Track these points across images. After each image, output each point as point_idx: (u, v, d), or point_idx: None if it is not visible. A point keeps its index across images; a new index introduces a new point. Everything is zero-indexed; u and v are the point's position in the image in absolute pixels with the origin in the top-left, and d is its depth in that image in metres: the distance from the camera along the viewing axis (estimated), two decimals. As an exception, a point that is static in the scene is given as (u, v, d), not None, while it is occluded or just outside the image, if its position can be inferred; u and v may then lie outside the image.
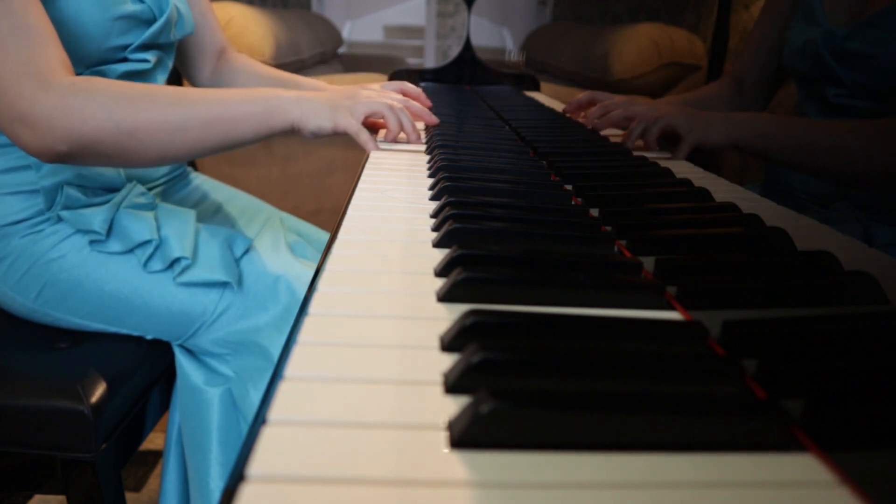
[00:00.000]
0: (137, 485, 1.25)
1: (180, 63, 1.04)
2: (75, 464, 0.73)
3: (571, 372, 0.30)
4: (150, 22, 0.82)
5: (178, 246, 0.79)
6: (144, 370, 0.83)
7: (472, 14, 1.73)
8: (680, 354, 0.33)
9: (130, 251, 0.79)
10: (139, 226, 0.79)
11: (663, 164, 0.79)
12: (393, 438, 0.26)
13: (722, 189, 0.70)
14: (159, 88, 0.72)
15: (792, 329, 0.35)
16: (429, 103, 0.97)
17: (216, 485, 0.80)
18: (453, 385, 0.30)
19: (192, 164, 1.66)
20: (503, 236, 0.48)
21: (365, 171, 0.71)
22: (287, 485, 0.23)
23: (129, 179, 0.85)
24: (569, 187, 0.66)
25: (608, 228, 0.53)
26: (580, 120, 1.12)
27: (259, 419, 0.27)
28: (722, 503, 0.24)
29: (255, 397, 0.80)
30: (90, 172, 0.79)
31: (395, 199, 0.61)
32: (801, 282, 0.42)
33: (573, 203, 0.62)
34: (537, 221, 0.52)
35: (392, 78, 1.69)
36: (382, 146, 0.84)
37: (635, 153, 0.86)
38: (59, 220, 0.79)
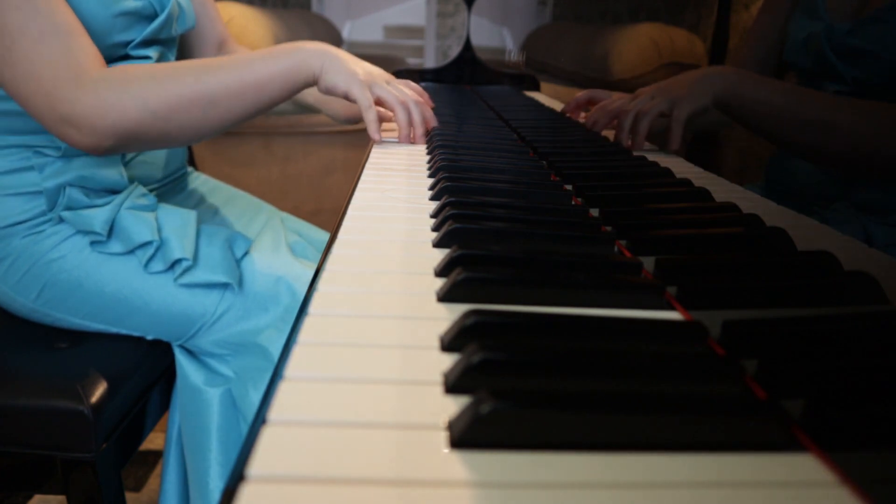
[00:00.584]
0: (137, 485, 1.25)
1: (180, 55, 1.04)
2: (75, 464, 0.73)
3: (571, 372, 0.30)
4: (151, 18, 0.82)
5: (179, 247, 0.79)
6: (144, 370, 0.83)
7: (472, 14, 1.73)
8: (680, 354, 0.33)
9: (131, 252, 0.79)
10: (140, 227, 0.79)
11: (663, 164, 0.79)
12: (393, 438, 0.26)
13: (722, 189, 0.70)
14: (182, 65, 0.73)
15: (792, 329, 0.35)
16: (432, 104, 0.97)
17: (216, 485, 0.80)
18: (453, 385, 0.30)
19: (193, 164, 1.67)
20: (503, 236, 0.48)
21: (365, 171, 0.71)
22: (287, 485, 0.23)
23: (131, 180, 0.85)
24: (569, 187, 0.66)
25: (608, 228, 0.53)
26: (580, 120, 1.12)
27: (259, 419, 0.27)
28: (722, 503, 0.24)
29: (255, 398, 0.80)
30: (92, 174, 0.79)
31: (395, 199, 0.61)
32: (801, 282, 0.42)
33: (573, 203, 0.62)
34: (537, 221, 0.52)
35: (392, 78, 1.69)
36: (381, 144, 0.84)
37: (635, 153, 0.86)
38: (60, 220, 0.79)
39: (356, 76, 0.77)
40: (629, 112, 0.88)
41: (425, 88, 1.03)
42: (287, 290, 0.82)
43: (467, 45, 1.72)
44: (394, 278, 0.42)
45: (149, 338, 0.83)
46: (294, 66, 0.75)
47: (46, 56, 0.66)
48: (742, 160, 1.44)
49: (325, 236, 1.06)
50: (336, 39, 2.65)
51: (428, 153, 0.82)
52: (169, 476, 0.91)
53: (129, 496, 1.20)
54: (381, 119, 0.87)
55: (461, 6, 1.78)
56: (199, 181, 1.04)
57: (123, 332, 0.82)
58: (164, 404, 0.91)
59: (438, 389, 0.30)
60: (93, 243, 0.79)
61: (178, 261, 0.79)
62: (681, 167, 0.81)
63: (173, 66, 0.73)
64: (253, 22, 1.83)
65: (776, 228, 0.52)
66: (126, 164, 0.85)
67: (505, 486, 0.24)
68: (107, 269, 0.79)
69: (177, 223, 0.81)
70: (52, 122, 0.68)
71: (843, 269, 0.44)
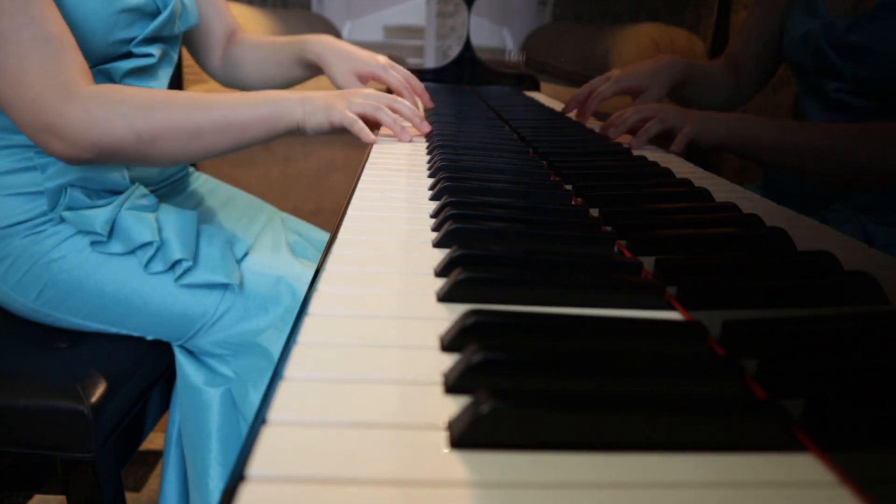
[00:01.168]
0: (137, 485, 1.25)
1: (190, 50, 1.05)
2: (75, 464, 0.73)
3: (571, 372, 0.30)
4: (153, 15, 0.82)
5: (179, 247, 0.79)
6: (144, 370, 0.83)
7: (472, 14, 1.73)
8: (680, 354, 0.33)
9: (132, 252, 0.79)
10: (140, 227, 0.79)
11: (663, 164, 0.79)
12: (393, 438, 0.26)
13: (722, 189, 0.70)
14: (175, 96, 0.75)
15: (792, 329, 0.35)
16: (430, 105, 0.97)
17: (216, 485, 0.80)
18: (453, 385, 0.30)
19: (194, 165, 1.67)
20: (503, 236, 0.48)
21: (365, 171, 0.71)
22: (287, 485, 0.23)
23: (132, 181, 0.85)
24: (569, 187, 0.66)
25: (608, 228, 0.53)
26: (575, 117, 1.13)
27: (259, 419, 0.27)
28: (722, 503, 0.24)
29: (256, 398, 0.80)
30: (94, 174, 0.79)
31: (395, 199, 0.61)
32: (801, 282, 0.42)
33: (573, 203, 0.62)
34: (537, 221, 0.52)
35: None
36: (380, 144, 0.84)
37: (635, 153, 0.86)
38: (61, 220, 0.79)
39: (331, 107, 0.80)
40: (636, 114, 0.88)
41: (425, 88, 1.03)
42: (287, 291, 0.82)
43: (467, 45, 1.72)
44: (394, 278, 0.42)
45: (149, 338, 0.83)
46: (277, 114, 0.78)
47: (36, 64, 0.67)
48: (742, 160, 1.44)
49: (325, 236, 1.06)
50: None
51: (428, 153, 0.82)
52: (169, 476, 0.91)
53: (129, 496, 1.20)
54: (372, 124, 0.87)
55: (461, 6, 1.78)
56: (200, 181, 1.04)
57: (123, 332, 0.82)
58: (164, 404, 0.91)
59: (438, 389, 0.30)
60: (93, 243, 0.79)
61: (178, 261, 0.79)
62: (681, 167, 0.81)
63: (167, 94, 0.75)
64: (253, 22, 1.83)
65: (776, 228, 0.52)
66: (127, 165, 0.85)
67: (505, 486, 0.24)
68: (107, 270, 0.79)
69: (177, 224, 0.81)
70: (35, 129, 0.69)
71: (843, 269, 0.44)
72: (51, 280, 0.78)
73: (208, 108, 0.75)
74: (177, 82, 1.69)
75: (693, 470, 0.25)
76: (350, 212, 0.56)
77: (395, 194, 0.63)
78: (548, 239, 0.48)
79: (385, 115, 0.83)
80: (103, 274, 0.79)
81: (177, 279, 0.79)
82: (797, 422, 0.28)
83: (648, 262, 0.45)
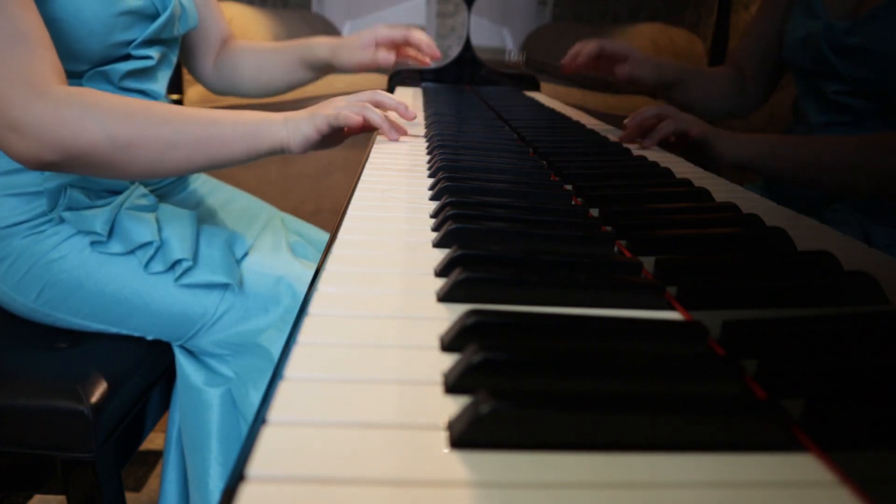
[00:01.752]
0: (137, 485, 1.25)
1: (183, 55, 1.04)
2: (75, 464, 0.73)
3: (571, 372, 0.30)
4: (153, 17, 0.81)
5: (179, 247, 0.79)
6: (144, 370, 0.83)
7: (472, 14, 1.73)
8: (680, 354, 0.33)
9: (131, 252, 0.79)
10: (140, 227, 0.79)
11: (663, 164, 0.79)
12: (393, 438, 0.26)
13: (722, 189, 0.70)
14: (154, 105, 0.73)
15: (792, 329, 0.35)
16: (412, 116, 0.94)
17: (216, 485, 0.80)
18: (453, 385, 0.30)
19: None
20: (503, 236, 0.48)
21: (365, 171, 0.71)
22: (287, 485, 0.23)
23: (131, 181, 0.85)
24: (569, 187, 0.66)
25: (608, 228, 0.53)
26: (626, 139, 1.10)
27: (259, 419, 0.27)
28: (722, 503, 0.24)
29: (256, 398, 0.80)
30: None
31: (395, 198, 0.61)
32: (801, 282, 0.42)
33: (573, 203, 0.62)
34: (537, 221, 0.52)
35: (392, 78, 1.69)
36: (381, 141, 0.84)
37: (635, 153, 0.86)
38: (61, 221, 0.79)
39: (314, 115, 0.77)
40: (656, 110, 0.88)
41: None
42: (287, 291, 0.82)
43: (467, 45, 1.72)
44: (394, 278, 0.42)
45: (149, 338, 0.83)
46: (258, 133, 0.75)
47: (7, 59, 0.64)
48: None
49: (325, 236, 1.06)
50: (336, 39, 2.65)
51: (428, 153, 0.82)
52: (169, 476, 0.91)
53: (129, 496, 1.20)
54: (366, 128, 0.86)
55: (461, 6, 1.78)
56: (200, 181, 1.04)
57: (124, 332, 0.82)
58: (164, 404, 0.91)
59: (438, 389, 0.30)
60: (93, 243, 0.79)
61: (178, 261, 0.79)
62: (681, 167, 0.81)
63: (146, 104, 0.72)
64: (253, 22, 1.83)
65: (776, 228, 0.52)
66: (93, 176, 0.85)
67: (505, 486, 0.24)
68: (107, 270, 0.79)
69: (177, 224, 0.81)
70: None
71: (843, 269, 0.44)
72: (51, 280, 0.78)
73: (187, 121, 0.72)
74: (176, 84, 1.69)
75: (693, 470, 0.25)
76: (350, 212, 0.56)
77: (395, 194, 0.63)
78: (548, 239, 0.48)
79: (373, 115, 0.81)
80: (103, 274, 0.79)
81: (177, 279, 0.79)
82: (797, 422, 0.28)
83: (648, 262, 0.45)
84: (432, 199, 0.62)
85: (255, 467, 0.24)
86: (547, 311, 0.35)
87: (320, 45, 1.03)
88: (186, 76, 1.68)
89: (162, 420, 0.92)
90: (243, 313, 0.81)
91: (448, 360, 0.32)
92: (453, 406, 0.28)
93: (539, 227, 0.50)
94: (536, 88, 1.78)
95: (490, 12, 1.96)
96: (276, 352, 0.80)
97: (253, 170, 1.83)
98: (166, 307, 0.80)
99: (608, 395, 0.27)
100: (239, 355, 0.82)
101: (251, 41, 1.08)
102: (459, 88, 1.68)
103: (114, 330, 0.82)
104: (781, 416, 0.27)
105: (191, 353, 0.84)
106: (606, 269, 0.44)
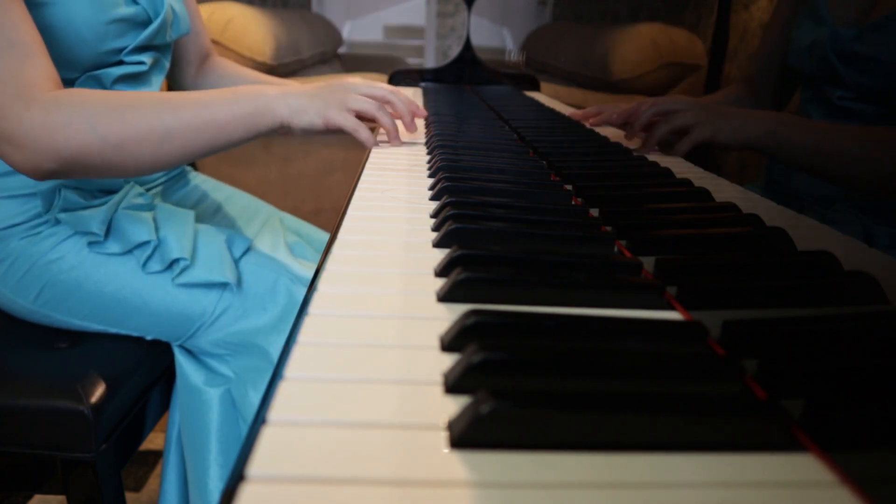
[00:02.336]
0: (137, 485, 1.25)
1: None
2: (75, 464, 0.73)
3: (571, 372, 0.30)
4: (145, 24, 0.81)
5: (177, 247, 0.79)
6: (144, 370, 0.83)
7: (472, 14, 1.73)
8: (680, 354, 0.33)
9: (129, 252, 0.79)
10: (137, 227, 0.79)
11: (663, 163, 0.79)
12: (393, 438, 0.26)
13: (722, 189, 0.70)
14: (142, 96, 0.70)
15: (792, 329, 0.35)
16: (424, 113, 0.94)
17: (215, 485, 0.80)
18: (453, 385, 0.30)
19: (192, 164, 1.67)
20: (503, 236, 0.48)
21: (365, 171, 0.71)
22: (287, 485, 0.23)
23: (128, 180, 0.85)
24: (569, 187, 0.66)
25: (608, 228, 0.53)
26: (587, 122, 1.11)
27: (259, 419, 0.27)
28: (722, 503, 0.24)
29: (255, 398, 0.80)
30: None
31: (395, 199, 0.61)
32: (801, 282, 0.42)
33: (573, 203, 0.62)
34: (537, 221, 0.52)
35: (392, 77, 1.69)
36: (381, 145, 0.84)
37: (635, 153, 0.86)
38: (58, 222, 0.79)
39: (327, 104, 0.75)
40: (655, 107, 0.87)
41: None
42: (285, 290, 0.82)
43: (467, 45, 1.72)
44: (394, 278, 0.42)
45: (148, 338, 0.83)
46: (256, 111, 0.72)
47: None
48: (742, 160, 1.44)
49: (325, 236, 1.06)
50: (336, 39, 2.65)
51: (428, 153, 0.82)
52: (169, 476, 0.91)
53: (129, 496, 1.20)
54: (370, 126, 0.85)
55: (461, 6, 1.78)
56: (199, 180, 1.04)
57: (123, 332, 0.82)
58: (164, 404, 0.91)
59: (438, 389, 0.30)
60: (90, 244, 0.79)
61: (175, 260, 0.79)
62: (681, 167, 0.81)
63: (134, 96, 0.70)
64: (253, 22, 1.83)
65: (776, 228, 0.52)
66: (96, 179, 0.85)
67: (505, 486, 0.24)
68: (105, 270, 0.79)
69: (174, 223, 0.81)
70: None
71: (843, 269, 0.44)
72: (50, 281, 0.78)
73: (179, 108, 0.70)
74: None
75: (693, 470, 0.25)
76: (350, 212, 0.56)
77: (395, 194, 0.63)
78: (548, 239, 0.48)
79: (385, 119, 0.81)
80: (101, 274, 0.79)
81: (175, 278, 0.79)
82: (797, 422, 0.28)
83: (648, 262, 0.45)
84: (432, 199, 0.62)
85: (254, 467, 0.24)
86: (547, 311, 0.35)
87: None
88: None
89: (162, 420, 0.92)
90: (241, 312, 0.81)
91: (448, 360, 0.32)
92: (453, 406, 0.28)
93: (539, 227, 0.50)
94: (536, 88, 1.78)
95: (490, 12, 1.96)
96: (275, 352, 0.80)
97: (253, 170, 1.83)
98: (165, 306, 0.80)
99: (608, 395, 0.27)
100: (238, 355, 0.82)
101: (233, 65, 1.09)
102: (459, 88, 1.68)
103: (113, 330, 0.82)
104: (781, 416, 0.27)
105: (190, 352, 0.84)
106: (606, 269, 0.44)
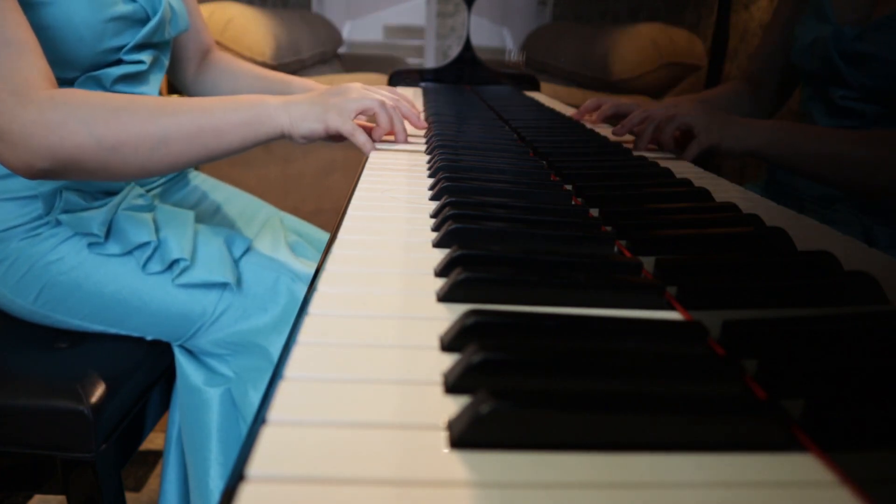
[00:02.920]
0: (137, 485, 1.25)
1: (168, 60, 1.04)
2: (75, 464, 0.73)
3: (571, 372, 0.30)
4: (143, 22, 0.81)
5: (177, 247, 0.79)
6: (144, 370, 0.83)
7: (472, 14, 1.73)
8: (680, 354, 0.33)
9: (129, 253, 0.79)
10: (137, 228, 0.79)
11: (663, 164, 0.79)
12: (393, 438, 0.26)
13: (722, 189, 0.70)
14: (140, 100, 0.70)
15: (792, 329, 0.35)
16: (417, 110, 0.94)
17: (215, 485, 0.80)
18: (453, 385, 0.30)
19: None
20: (503, 236, 0.48)
21: (365, 171, 0.71)
22: (287, 485, 0.23)
23: (128, 181, 0.85)
24: (569, 187, 0.66)
25: (608, 228, 0.53)
26: (585, 122, 1.11)
27: (259, 419, 0.27)
28: (722, 503, 0.24)
29: (255, 398, 0.80)
30: None
31: (395, 199, 0.61)
32: (801, 282, 0.42)
33: (573, 203, 0.62)
34: (537, 221, 0.52)
35: (392, 77, 1.69)
36: (379, 146, 0.84)
37: (636, 153, 0.86)
38: (58, 223, 0.79)
39: (327, 108, 0.74)
40: (660, 112, 0.87)
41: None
42: (286, 291, 0.82)
43: (467, 45, 1.72)
44: (394, 278, 0.42)
45: (148, 338, 0.83)
46: (255, 118, 0.72)
47: None
48: (742, 160, 1.44)
49: (325, 236, 1.06)
50: (336, 39, 2.65)
51: (428, 153, 0.82)
52: (169, 476, 0.91)
53: (129, 496, 1.20)
54: (366, 128, 0.85)
55: (461, 6, 1.78)
56: (199, 180, 1.04)
57: (123, 332, 0.82)
58: (164, 404, 0.91)
59: (438, 389, 0.30)
60: (91, 245, 0.79)
61: (176, 261, 0.79)
62: (681, 167, 0.81)
63: (130, 99, 0.69)
64: (253, 22, 1.83)
65: (776, 228, 0.52)
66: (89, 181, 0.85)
67: (505, 486, 0.24)
68: (105, 271, 0.79)
69: (174, 223, 0.81)
70: None
71: (843, 269, 0.44)
72: (49, 281, 0.78)
73: (177, 113, 0.69)
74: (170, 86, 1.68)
75: (693, 470, 0.25)
76: (350, 212, 0.56)
77: (395, 194, 0.63)
78: (548, 239, 0.48)
79: (384, 117, 0.80)
80: (101, 275, 0.79)
81: (175, 279, 0.79)
82: (797, 422, 0.28)
83: (648, 262, 0.45)
84: (432, 199, 0.62)
85: (255, 467, 0.24)
86: (547, 311, 0.35)
87: (297, 87, 1.01)
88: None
89: (162, 420, 0.92)
90: (242, 312, 0.81)
91: (448, 360, 0.32)
92: (453, 406, 0.28)
93: (539, 227, 0.50)
94: (536, 88, 1.78)
95: (490, 12, 1.96)
96: (275, 352, 0.80)
97: (253, 170, 1.83)
98: (165, 307, 0.80)
99: (608, 395, 0.27)
100: (238, 355, 0.82)
101: (235, 60, 1.08)
102: (459, 88, 1.68)
103: (113, 330, 0.82)
104: (781, 416, 0.27)
105: (190, 352, 0.84)
106: (606, 269, 0.44)
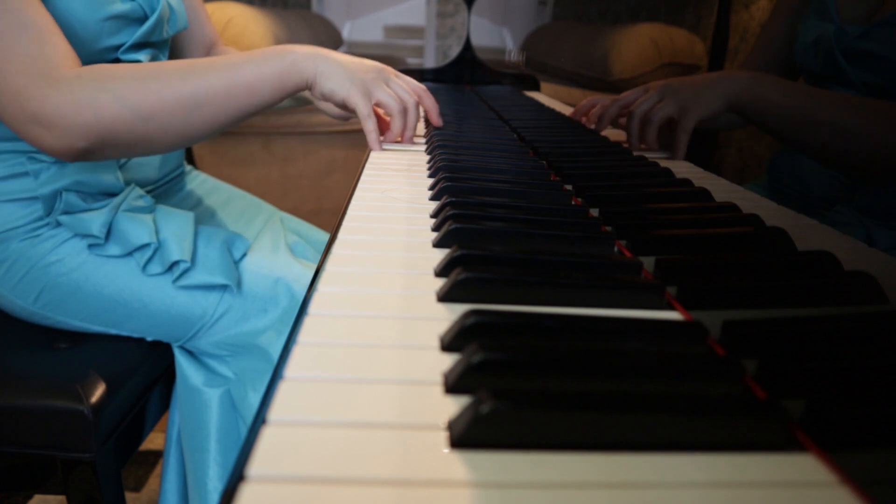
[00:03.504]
0: (137, 485, 1.25)
1: (169, 58, 1.04)
2: (75, 464, 0.73)
3: (571, 372, 0.30)
4: (141, 20, 0.80)
5: (177, 249, 0.79)
6: (144, 370, 0.83)
7: (472, 14, 1.73)
8: (680, 354, 0.33)
9: (129, 254, 0.79)
10: (137, 229, 0.79)
11: (663, 164, 0.79)
12: (393, 438, 0.26)
13: (722, 189, 0.70)
14: (167, 65, 0.69)
15: (792, 329, 0.35)
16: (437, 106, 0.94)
17: (214, 485, 0.80)
18: (453, 385, 0.30)
19: (192, 163, 1.67)
20: (503, 236, 0.48)
21: (365, 171, 0.71)
22: (287, 485, 0.23)
23: (128, 183, 0.85)
24: (569, 187, 0.66)
25: (608, 228, 0.53)
26: (583, 121, 1.11)
27: (259, 419, 0.27)
28: (722, 503, 0.24)
29: (254, 399, 0.80)
30: (88, 178, 0.79)
31: (395, 199, 0.61)
32: (801, 282, 0.42)
33: (573, 203, 0.62)
34: (537, 221, 0.52)
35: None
36: (384, 146, 0.84)
37: (636, 153, 0.86)
38: (58, 224, 0.79)
39: (354, 80, 0.74)
40: (635, 115, 0.87)
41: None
42: (286, 291, 0.82)
43: (467, 45, 1.72)
44: (394, 278, 0.42)
45: (148, 339, 0.83)
46: (285, 70, 0.71)
47: (15, 53, 0.62)
48: (742, 160, 1.44)
49: (325, 236, 1.06)
50: (336, 39, 2.65)
51: (428, 153, 0.82)
52: (169, 476, 0.91)
53: (129, 496, 1.20)
54: (380, 117, 0.85)
55: (461, 6, 1.78)
56: (199, 180, 1.04)
57: (123, 333, 0.82)
58: (164, 404, 0.91)
59: (438, 389, 0.30)
60: (91, 246, 0.79)
61: (176, 262, 0.79)
62: (681, 167, 0.81)
63: (158, 66, 0.69)
64: (253, 22, 1.83)
65: (776, 228, 0.52)
66: (121, 167, 0.85)
67: (505, 486, 0.24)
68: (105, 272, 0.79)
69: (175, 225, 0.81)
70: (21, 122, 0.64)
71: (843, 270, 0.44)
72: (49, 283, 0.78)
73: (206, 73, 0.68)
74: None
75: (693, 470, 0.25)
76: (350, 212, 0.56)
77: (395, 194, 0.63)
78: (548, 239, 0.48)
79: (398, 124, 0.80)
80: (101, 276, 0.79)
81: (175, 280, 0.79)
82: (797, 422, 0.28)
83: (648, 262, 0.45)
84: (432, 199, 0.62)
85: (254, 467, 0.24)
86: (547, 311, 0.35)
87: None
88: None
89: (162, 420, 0.92)
90: (242, 314, 0.81)
91: (448, 360, 0.32)
92: (453, 406, 0.28)
93: (539, 227, 0.50)
94: (536, 88, 1.78)
95: (490, 12, 1.96)
96: (275, 353, 0.80)
97: (253, 169, 1.83)
98: (165, 309, 0.80)
99: (608, 395, 0.27)
100: (238, 356, 0.82)
101: (239, 54, 1.07)
102: (459, 88, 1.68)
103: (113, 332, 0.82)
104: (781, 416, 0.27)
105: (190, 353, 0.84)
106: (606, 269, 0.44)
